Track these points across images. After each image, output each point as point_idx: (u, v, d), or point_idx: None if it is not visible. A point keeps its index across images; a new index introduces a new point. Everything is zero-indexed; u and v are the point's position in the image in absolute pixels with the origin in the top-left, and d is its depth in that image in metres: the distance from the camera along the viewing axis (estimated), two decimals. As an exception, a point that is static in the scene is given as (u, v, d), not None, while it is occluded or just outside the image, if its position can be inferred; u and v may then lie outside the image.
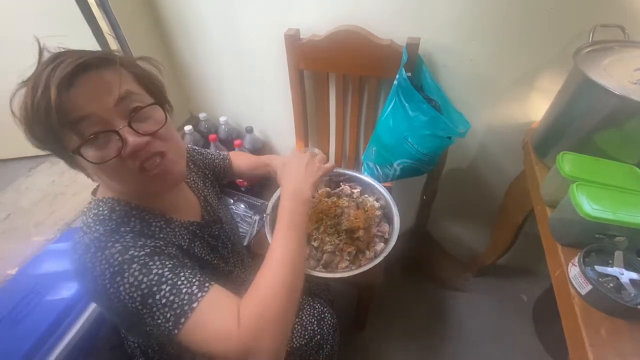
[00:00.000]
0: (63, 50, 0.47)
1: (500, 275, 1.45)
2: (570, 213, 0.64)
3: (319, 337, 0.84)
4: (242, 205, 1.26)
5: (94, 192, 0.58)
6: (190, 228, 0.61)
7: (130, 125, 0.46)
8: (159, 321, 0.43)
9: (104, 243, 0.47)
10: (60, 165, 1.22)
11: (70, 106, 0.43)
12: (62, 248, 0.94)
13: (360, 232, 0.92)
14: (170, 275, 0.45)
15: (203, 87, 1.29)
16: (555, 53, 0.88)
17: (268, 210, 0.97)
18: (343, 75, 1.03)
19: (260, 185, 1.37)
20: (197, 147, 0.84)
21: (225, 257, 0.70)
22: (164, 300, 0.44)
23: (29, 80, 0.45)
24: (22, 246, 0.94)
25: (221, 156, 0.87)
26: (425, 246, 1.45)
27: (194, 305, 0.44)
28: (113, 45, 1.02)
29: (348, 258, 0.89)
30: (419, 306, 1.37)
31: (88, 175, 0.52)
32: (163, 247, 0.50)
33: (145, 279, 0.44)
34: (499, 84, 0.98)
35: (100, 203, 0.53)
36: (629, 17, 0.80)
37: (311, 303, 0.89)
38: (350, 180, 1.09)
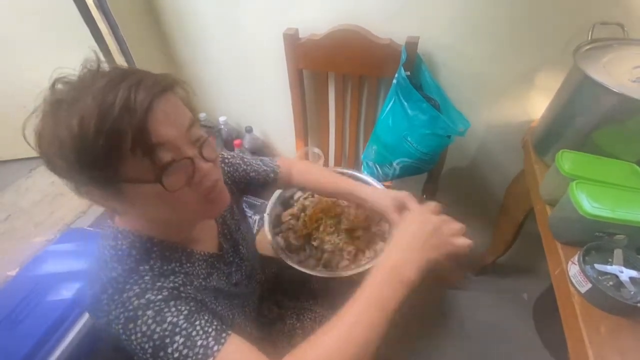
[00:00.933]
0: (120, 67, 0.44)
1: (501, 274, 1.45)
2: (569, 211, 0.64)
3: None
4: (242, 205, 1.26)
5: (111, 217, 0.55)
6: (209, 260, 0.58)
7: (201, 153, 0.45)
8: None
9: (122, 285, 0.44)
10: (60, 166, 1.23)
11: (150, 131, 0.39)
12: (63, 249, 0.94)
13: (360, 232, 0.92)
14: (185, 325, 0.43)
15: (202, 87, 1.29)
16: (555, 51, 0.88)
17: (268, 210, 0.97)
18: (342, 74, 1.03)
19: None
20: (246, 157, 0.75)
21: (239, 281, 0.66)
22: (176, 355, 0.41)
23: (84, 99, 0.38)
24: (23, 247, 0.94)
25: (268, 169, 0.76)
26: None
27: (210, 359, 0.41)
28: (112, 45, 1.02)
29: (348, 257, 0.89)
30: (419, 304, 1.37)
31: (112, 210, 0.47)
32: (181, 288, 0.48)
33: (158, 329, 0.42)
34: (499, 82, 0.98)
35: (119, 235, 0.49)
36: (628, 14, 0.79)
37: (312, 307, 0.89)
38: (351, 179, 1.09)
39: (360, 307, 0.47)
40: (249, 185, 0.74)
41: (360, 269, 0.84)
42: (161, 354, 0.41)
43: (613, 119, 0.70)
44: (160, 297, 0.44)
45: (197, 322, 0.44)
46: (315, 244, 0.90)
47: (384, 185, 1.04)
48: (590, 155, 0.73)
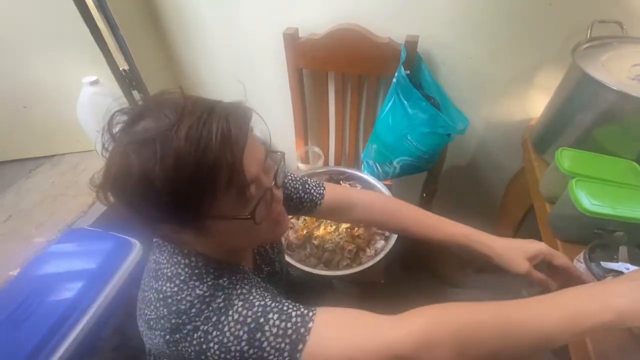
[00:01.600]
0: (193, 97, 0.42)
1: (501, 271, 1.43)
2: (569, 209, 0.64)
3: None
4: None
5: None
6: (255, 276, 0.56)
7: (276, 182, 0.46)
8: (270, 357, 0.39)
9: (224, 304, 0.42)
10: (60, 167, 1.23)
11: (244, 167, 0.39)
12: (64, 249, 0.94)
13: (360, 230, 0.92)
14: (273, 304, 0.42)
15: (202, 86, 1.29)
16: (554, 49, 0.88)
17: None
18: (342, 73, 1.03)
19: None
20: (296, 177, 0.68)
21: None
22: (274, 330, 0.39)
23: (176, 136, 0.37)
24: (24, 247, 0.94)
25: (313, 197, 0.68)
26: (425, 243, 1.46)
27: (310, 325, 0.40)
28: (112, 45, 1.02)
29: (349, 256, 0.89)
30: (420, 302, 1.36)
31: (178, 241, 0.46)
32: (257, 285, 0.49)
33: (250, 313, 0.41)
34: (498, 81, 0.98)
35: (190, 256, 0.47)
36: (627, 13, 0.80)
37: (317, 303, 0.89)
38: (350, 178, 1.09)
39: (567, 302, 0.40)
40: (290, 206, 0.67)
41: (362, 267, 0.84)
42: (258, 335, 0.39)
43: (612, 116, 0.71)
44: (244, 290, 0.44)
45: (284, 302, 0.43)
46: (316, 242, 0.91)
47: (384, 183, 1.05)
48: (589, 152, 0.74)
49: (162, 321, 0.42)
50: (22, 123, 1.18)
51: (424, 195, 1.25)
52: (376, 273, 0.94)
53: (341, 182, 1.07)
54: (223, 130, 0.38)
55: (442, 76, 1.01)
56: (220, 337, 0.40)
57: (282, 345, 0.39)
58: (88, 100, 1.03)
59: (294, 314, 0.41)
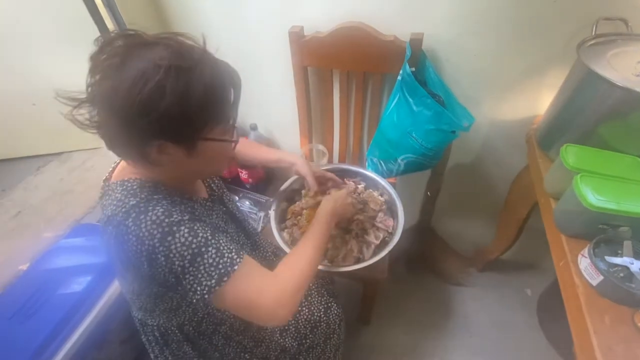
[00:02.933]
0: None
1: (505, 270, 1.45)
2: (574, 204, 0.64)
3: (324, 325, 0.85)
4: (247, 202, 1.28)
5: (107, 180, 0.60)
6: (206, 203, 0.67)
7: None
8: (202, 279, 0.50)
9: (144, 207, 0.50)
10: (68, 163, 1.24)
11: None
12: (72, 243, 0.96)
13: (362, 226, 0.93)
14: (213, 241, 0.52)
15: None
16: (559, 46, 0.88)
17: (273, 207, 0.98)
18: (347, 71, 1.04)
19: (265, 182, 1.38)
20: None
21: (234, 234, 0.73)
22: (210, 261, 0.50)
23: (207, 64, 0.49)
24: (33, 242, 0.96)
25: None
26: (429, 241, 1.46)
27: (235, 267, 0.51)
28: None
29: (353, 252, 0.90)
30: (423, 301, 1.38)
31: (157, 163, 0.52)
32: (196, 213, 0.57)
33: (194, 240, 0.50)
34: (503, 78, 0.98)
35: (125, 183, 0.55)
36: (632, 10, 0.80)
37: (320, 290, 0.90)
38: (355, 176, 1.10)
39: (317, 240, 0.67)
40: None
41: (365, 264, 0.85)
42: (198, 259, 0.50)
43: (617, 113, 0.71)
44: (186, 217, 0.52)
45: (221, 240, 0.53)
46: None
47: (388, 181, 1.05)
48: (594, 148, 0.74)
49: (109, 234, 0.51)
50: (31, 121, 1.20)
51: (428, 193, 1.26)
52: (380, 270, 0.95)
53: (345, 179, 1.07)
54: (234, 74, 0.53)
55: (446, 73, 1.01)
56: (165, 253, 0.49)
57: (213, 274, 0.50)
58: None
59: (226, 254, 0.52)
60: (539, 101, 0.99)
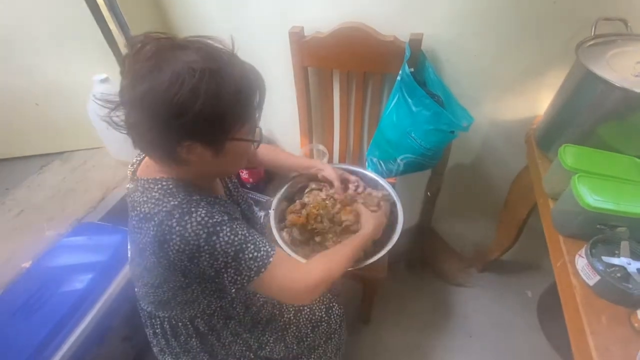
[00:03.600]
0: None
1: (505, 271, 1.45)
2: (572, 204, 0.65)
3: (325, 325, 0.86)
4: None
5: (134, 174, 0.63)
6: (226, 203, 0.69)
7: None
8: (243, 271, 0.55)
9: (187, 208, 0.53)
10: (71, 163, 1.25)
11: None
12: (74, 242, 0.97)
13: (350, 217, 0.93)
14: (250, 237, 0.57)
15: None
16: (558, 47, 0.88)
17: (273, 206, 0.98)
18: (347, 71, 1.04)
19: (265, 182, 1.39)
20: None
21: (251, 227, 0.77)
22: (250, 255, 0.56)
23: (237, 66, 0.51)
24: (35, 241, 0.97)
25: None
26: (429, 242, 1.46)
27: (271, 259, 0.57)
28: (121, 44, 1.04)
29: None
30: (423, 301, 1.38)
31: (185, 163, 0.54)
32: (230, 213, 0.60)
33: (236, 239, 0.55)
34: (502, 78, 0.98)
35: (159, 182, 0.57)
36: (632, 10, 0.80)
37: None
38: (354, 175, 1.10)
39: (351, 251, 0.73)
40: None
41: (365, 263, 0.85)
42: (240, 255, 0.55)
43: (615, 113, 0.71)
44: (226, 218, 0.56)
45: (256, 235, 0.59)
46: (318, 239, 0.92)
47: (388, 181, 1.06)
48: (592, 149, 0.74)
49: (146, 231, 0.53)
50: (33, 120, 1.21)
51: (428, 193, 1.26)
52: (380, 270, 0.95)
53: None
54: (259, 76, 0.56)
55: (446, 74, 1.01)
56: (209, 250, 0.53)
57: (253, 266, 0.56)
58: (111, 92, 1.06)
59: (262, 248, 0.58)
60: (539, 101, 0.99)
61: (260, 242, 0.58)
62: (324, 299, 0.89)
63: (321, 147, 1.24)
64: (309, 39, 1.00)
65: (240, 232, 0.56)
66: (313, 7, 0.99)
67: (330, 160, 1.27)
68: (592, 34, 0.80)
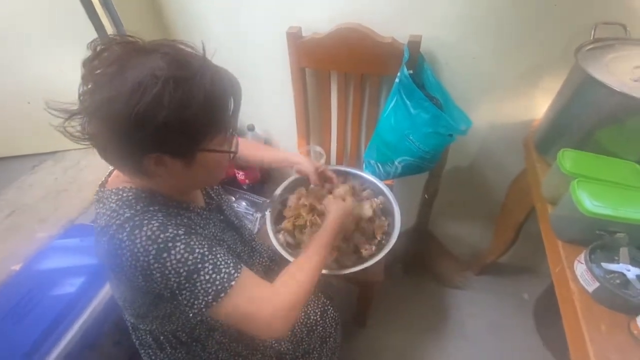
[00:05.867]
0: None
1: (502, 274, 1.45)
2: (571, 210, 0.64)
3: (321, 328, 0.85)
4: (244, 203, 1.27)
5: (102, 185, 0.59)
6: (203, 213, 0.66)
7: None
8: (199, 294, 0.49)
9: (139, 221, 0.49)
10: (63, 163, 1.23)
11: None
12: (66, 244, 0.95)
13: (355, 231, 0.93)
14: (210, 256, 0.51)
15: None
16: (557, 51, 0.88)
17: (269, 208, 0.97)
18: (345, 73, 1.03)
19: (262, 183, 1.37)
20: None
21: (230, 242, 0.72)
22: (207, 277, 0.50)
23: (207, 72, 0.47)
24: (26, 242, 0.95)
25: None
26: (426, 244, 1.46)
27: (232, 282, 0.51)
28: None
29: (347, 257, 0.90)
30: (420, 304, 1.38)
31: (154, 175, 0.50)
32: (192, 226, 0.56)
33: (190, 257, 0.49)
34: (501, 81, 0.98)
35: (120, 191, 0.54)
36: (631, 14, 0.80)
37: (316, 293, 0.90)
38: (352, 177, 1.09)
39: (319, 257, 0.65)
40: None
41: (361, 267, 0.84)
42: (194, 276, 0.49)
43: (614, 118, 0.70)
44: (182, 231, 0.51)
45: (219, 255, 0.53)
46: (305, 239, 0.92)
47: (385, 183, 1.05)
48: (591, 154, 0.74)
49: (102, 245, 0.50)
50: (25, 119, 1.19)
51: (426, 195, 1.25)
52: (376, 273, 0.94)
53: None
54: (234, 82, 0.51)
55: (444, 76, 1.01)
56: (160, 269, 0.48)
57: (210, 290, 0.50)
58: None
59: (223, 269, 0.51)
60: (537, 105, 0.98)
61: (222, 263, 0.52)
62: (318, 302, 0.88)
63: (318, 148, 1.23)
64: (307, 39, 0.99)
65: (197, 250, 0.50)
66: (311, 7, 0.97)
67: (327, 162, 1.26)
68: (592, 38, 0.80)
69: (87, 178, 1.16)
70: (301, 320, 0.83)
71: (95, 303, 0.86)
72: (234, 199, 1.28)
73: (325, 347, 0.87)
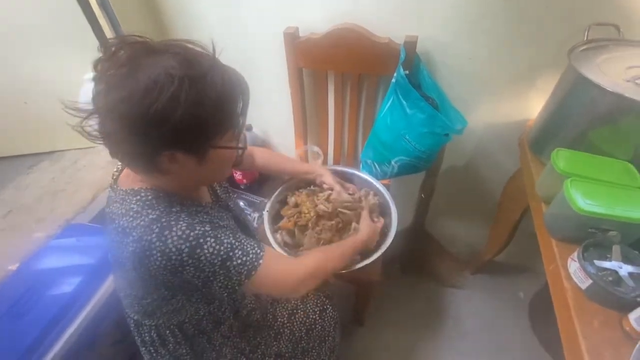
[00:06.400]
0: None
1: (498, 273, 1.46)
2: (564, 208, 0.65)
3: (320, 327, 0.85)
4: (241, 203, 1.27)
5: (114, 185, 0.60)
6: (211, 211, 0.67)
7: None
8: (233, 276, 0.55)
9: (167, 222, 0.51)
10: (60, 163, 1.23)
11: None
12: (63, 244, 0.95)
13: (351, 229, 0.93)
14: (237, 243, 0.56)
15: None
16: (551, 51, 0.89)
17: (267, 208, 0.98)
18: (342, 73, 1.04)
19: (259, 183, 1.38)
20: None
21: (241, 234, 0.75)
22: (239, 261, 0.55)
23: (217, 71, 0.49)
24: (24, 242, 0.95)
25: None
26: (423, 244, 1.46)
27: (260, 261, 0.57)
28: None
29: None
30: (417, 303, 1.39)
31: (166, 172, 0.52)
32: (214, 221, 0.60)
33: (221, 248, 0.54)
34: (496, 82, 0.99)
35: (140, 192, 0.55)
36: (624, 15, 0.81)
37: (315, 292, 0.91)
38: (349, 177, 1.10)
39: (342, 252, 0.76)
40: None
41: (359, 265, 0.85)
42: (227, 263, 0.54)
43: (607, 118, 0.71)
44: (208, 227, 0.54)
45: (242, 239, 0.58)
46: (312, 241, 0.92)
47: (382, 183, 1.05)
48: (584, 153, 0.75)
49: (125, 246, 0.51)
50: (22, 119, 1.18)
51: (422, 195, 1.26)
52: (373, 272, 0.95)
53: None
54: (242, 81, 0.53)
55: (440, 76, 1.02)
56: (195, 263, 0.51)
57: (243, 271, 0.55)
58: (89, 97, 1.04)
59: (250, 251, 0.57)
60: (532, 105, 0.99)
61: (248, 245, 0.57)
62: (318, 301, 0.89)
63: (316, 148, 1.23)
64: (304, 39, 0.99)
65: (225, 241, 0.55)
66: (308, 8, 0.98)
67: (324, 162, 1.27)
68: (585, 38, 0.81)
69: (85, 178, 1.16)
70: (300, 319, 0.84)
71: (93, 302, 0.86)
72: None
73: (324, 346, 0.88)
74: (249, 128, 1.28)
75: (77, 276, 0.87)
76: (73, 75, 1.05)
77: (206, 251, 0.52)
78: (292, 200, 1.01)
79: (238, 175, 1.33)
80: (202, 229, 0.53)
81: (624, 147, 0.74)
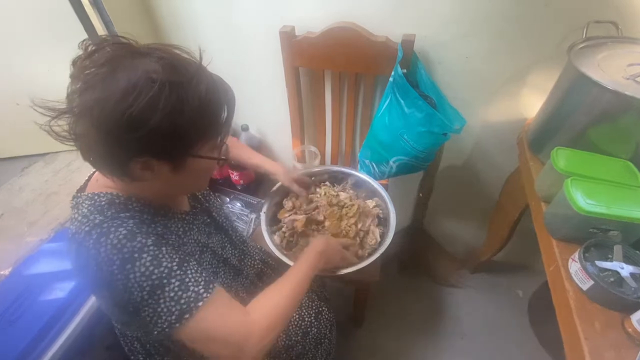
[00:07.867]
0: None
1: (497, 271, 1.46)
2: (564, 208, 0.64)
3: (315, 330, 0.84)
4: (238, 204, 1.26)
5: (80, 190, 0.58)
6: (186, 218, 0.64)
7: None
8: (162, 313, 0.46)
9: (106, 228, 0.47)
10: (53, 165, 1.21)
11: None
12: (57, 248, 0.93)
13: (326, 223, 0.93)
14: (178, 272, 0.48)
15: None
16: (550, 49, 0.88)
17: (264, 209, 0.97)
18: (339, 72, 1.02)
19: (257, 184, 1.36)
20: None
21: (217, 247, 0.70)
22: (172, 294, 0.46)
23: (201, 80, 0.46)
24: (16, 246, 0.93)
25: None
26: (421, 243, 1.46)
27: (199, 303, 0.47)
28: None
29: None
30: (416, 303, 1.38)
31: (139, 179, 0.49)
32: (165, 235, 0.53)
33: (156, 271, 0.46)
34: (494, 80, 0.98)
35: (95, 196, 0.52)
36: (623, 13, 0.80)
37: (310, 295, 0.89)
38: (347, 177, 1.09)
39: (299, 277, 0.63)
40: None
41: (356, 267, 0.84)
42: (158, 292, 0.46)
43: (607, 116, 0.71)
44: (150, 241, 0.48)
45: (189, 271, 0.49)
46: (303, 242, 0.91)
47: (380, 183, 1.05)
48: (584, 152, 0.74)
49: (71, 256, 0.48)
50: (15, 120, 1.16)
51: (420, 194, 1.25)
52: (372, 273, 0.94)
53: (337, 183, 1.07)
54: (228, 91, 0.51)
55: (438, 75, 1.01)
56: (123, 281, 0.45)
57: (173, 309, 0.46)
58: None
59: (191, 288, 0.48)
60: (530, 104, 0.99)
61: (192, 280, 0.48)
62: (313, 304, 0.87)
63: (313, 148, 1.22)
64: (300, 38, 0.98)
65: (164, 263, 0.47)
66: (304, 6, 0.97)
67: (322, 162, 1.26)
68: (584, 36, 0.80)
69: (78, 180, 1.13)
70: (295, 323, 0.83)
71: (86, 308, 0.85)
72: (228, 199, 1.27)
73: (320, 348, 0.87)
74: (245, 128, 1.27)
75: (70, 281, 0.86)
76: (65, 76, 1.03)
77: (137, 269, 0.45)
78: (288, 203, 1.00)
79: (235, 177, 1.32)
80: (143, 241, 0.47)
81: (624, 146, 0.73)
